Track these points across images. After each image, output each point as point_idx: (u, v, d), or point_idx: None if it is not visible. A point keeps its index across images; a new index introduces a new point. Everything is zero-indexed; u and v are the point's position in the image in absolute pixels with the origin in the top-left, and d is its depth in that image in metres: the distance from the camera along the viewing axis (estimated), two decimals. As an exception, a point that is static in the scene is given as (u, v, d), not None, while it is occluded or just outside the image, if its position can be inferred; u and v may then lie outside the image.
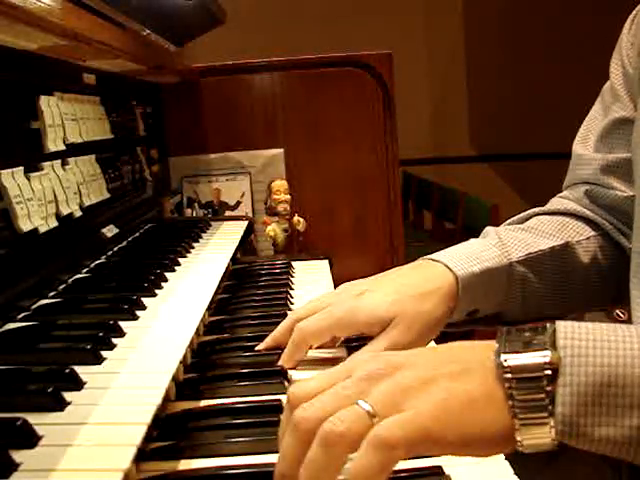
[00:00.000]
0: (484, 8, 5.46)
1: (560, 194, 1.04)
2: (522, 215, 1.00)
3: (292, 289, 1.15)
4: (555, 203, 1.01)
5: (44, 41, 0.89)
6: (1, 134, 0.88)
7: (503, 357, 0.52)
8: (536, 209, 1.01)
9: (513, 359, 0.52)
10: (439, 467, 0.60)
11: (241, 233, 1.41)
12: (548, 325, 0.53)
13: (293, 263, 1.32)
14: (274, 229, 1.58)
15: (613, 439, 0.50)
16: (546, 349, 0.51)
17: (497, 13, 5.45)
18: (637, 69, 0.88)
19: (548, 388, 0.50)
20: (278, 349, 0.81)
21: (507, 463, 0.61)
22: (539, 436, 0.50)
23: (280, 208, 1.58)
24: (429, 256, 0.87)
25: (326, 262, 1.36)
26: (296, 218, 1.59)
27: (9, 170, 0.86)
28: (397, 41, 3.53)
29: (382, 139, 1.66)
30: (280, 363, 0.79)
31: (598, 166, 0.95)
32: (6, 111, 0.90)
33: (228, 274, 1.22)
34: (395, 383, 0.53)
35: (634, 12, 0.92)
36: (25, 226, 0.88)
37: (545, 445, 0.51)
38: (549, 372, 0.50)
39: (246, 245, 1.55)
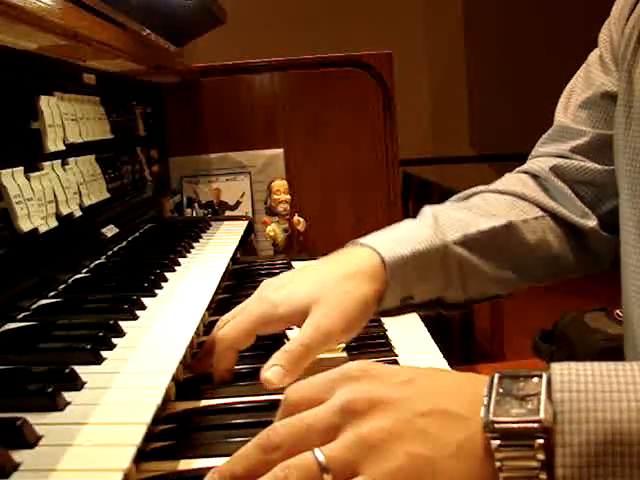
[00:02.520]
0: (484, 8, 5.46)
1: (527, 164, 0.98)
2: (467, 192, 0.95)
3: (292, 289, 1.15)
4: (508, 183, 0.95)
5: (44, 41, 0.89)
6: (1, 134, 0.88)
7: (492, 418, 0.47)
8: (483, 187, 0.95)
9: (503, 422, 0.46)
10: None
11: (241, 233, 1.40)
12: (544, 373, 0.48)
13: (293, 263, 1.32)
14: (274, 229, 1.58)
15: None
16: (539, 410, 0.46)
17: (497, 13, 5.45)
18: (620, 45, 0.86)
19: (541, 457, 0.45)
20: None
21: None
22: None
23: (280, 208, 1.58)
24: (357, 240, 0.83)
25: (326, 262, 1.36)
26: (296, 218, 1.59)
27: (9, 170, 0.86)
28: (397, 41, 3.53)
29: (382, 139, 1.66)
30: (215, 379, 0.76)
31: (580, 141, 0.91)
32: (6, 111, 0.90)
33: (228, 274, 1.22)
34: (360, 435, 0.48)
35: None
36: (25, 226, 0.87)
37: None
38: (542, 440, 0.45)
39: (246, 245, 1.55)
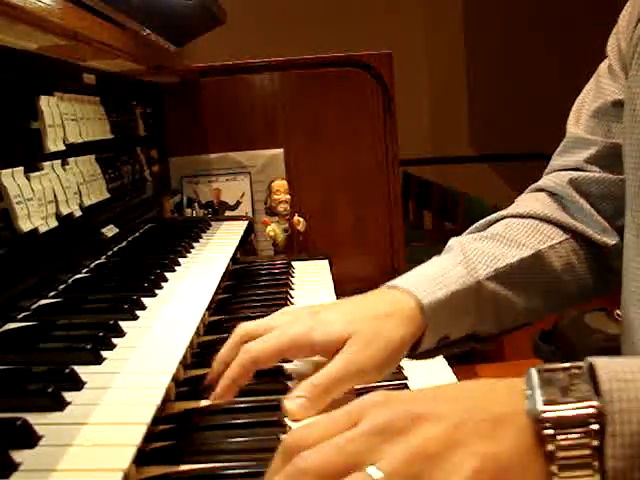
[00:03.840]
0: (484, 8, 5.46)
1: (542, 181, 0.97)
2: (489, 218, 0.94)
3: (292, 289, 1.15)
4: (526, 204, 0.95)
5: (44, 41, 0.89)
6: (1, 134, 0.88)
7: (541, 408, 0.45)
8: (503, 211, 0.94)
9: (553, 411, 0.45)
10: None
11: (241, 233, 1.41)
12: (583, 365, 0.48)
13: (293, 263, 1.32)
14: (274, 229, 1.58)
15: None
16: (589, 397, 0.45)
17: (497, 13, 5.45)
18: (629, 52, 0.86)
19: (595, 443, 0.44)
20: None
21: None
22: None
23: (280, 208, 1.58)
24: (390, 282, 0.80)
25: (326, 262, 1.36)
26: (296, 218, 1.59)
27: (9, 170, 0.86)
28: (397, 41, 3.53)
29: (382, 139, 1.66)
30: (220, 389, 0.71)
31: (593, 151, 0.91)
32: (6, 111, 0.90)
33: (228, 274, 1.22)
34: (415, 446, 0.45)
35: None
36: (25, 226, 0.87)
37: None
38: (597, 426, 0.44)
39: (246, 245, 1.55)
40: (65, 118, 1.04)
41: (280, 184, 1.60)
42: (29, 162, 0.93)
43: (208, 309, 0.96)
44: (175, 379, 0.72)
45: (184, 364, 0.80)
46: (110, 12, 1.03)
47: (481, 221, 0.95)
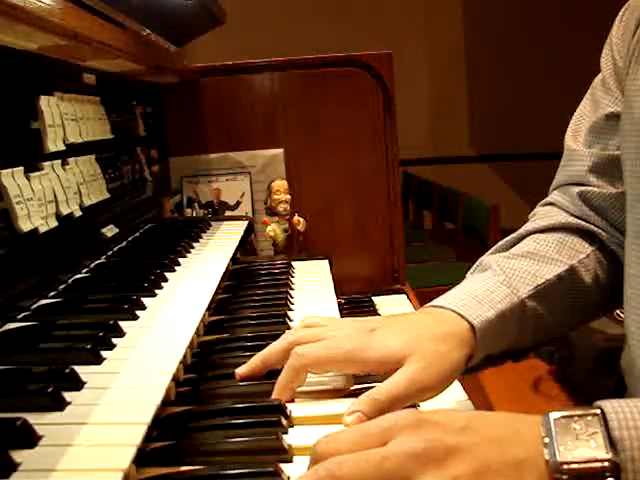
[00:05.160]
0: (484, 8, 5.46)
1: (551, 197, 0.99)
2: (515, 235, 0.95)
3: (292, 289, 1.15)
4: (546, 216, 0.96)
5: (44, 41, 0.89)
6: (1, 134, 0.88)
7: (560, 459, 0.48)
8: (528, 227, 0.96)
9: (571, 463, 0.48)
10: None
11: (241, 233, 1.41)
12: (596, 412, 0.50)
13: (293, 263, 1.32)
14: (274, 229, 1.58)
15: None
16: (604, 449, 0.48)
17: (497, 13, 5.45)
18: (625, 62, 0.87)
19: None
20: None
21: None
22: None
23: (280, 208, 1.58)
24: (435, 302, 0.81)
25: (326, 262, 1.36)
26: (296, 218, 1.59)
27: (9, 170, 0.86)
28: (397, 41, 3.53)
29: (382, 139, 1.66)
30: (275, 394, 0.72)
31: (591, 163, 0.92)
32: (6, 111, 0.90)
33: (228, 274, 1.22)
34: (448, 477, 0.49)
35: (625, 6, 0.92)
36: (25, 226, 0.87)
37: None
38: (610, 475, 0.47)
39: (246, 245, 1.55)
40: (65, 118, 1.04)
41: (280, 184, 1.60)
42: (29, 162, 0.93)
43: (208, 309, 0.96)
44: (175, 379, 0.72)
45: (184, 364, 0.80)
46: (110, 12, 1.03)
47: (507, 238, 0.96)
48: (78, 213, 1.07)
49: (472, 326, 0.76)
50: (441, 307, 0.79)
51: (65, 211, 1.01)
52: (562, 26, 5.33)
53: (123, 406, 0.61)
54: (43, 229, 0.93)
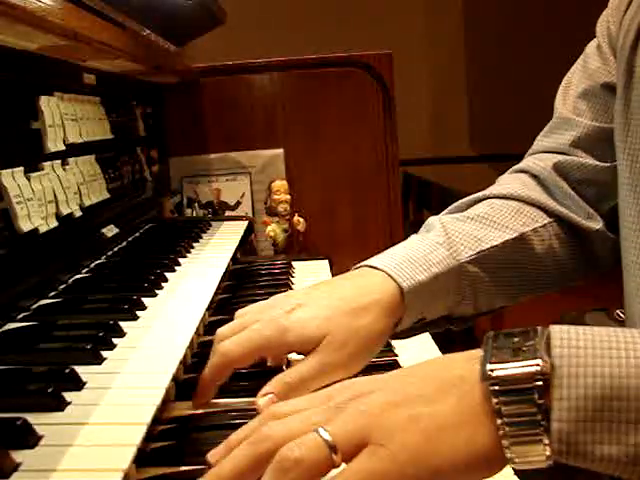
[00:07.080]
0: (484, 8, 5.46)
1: (525, 163, 0.96)
2: (470, 198, 0.92)
3: (292, 289, 1.15)
4: (512, 184, 0.93)
5: (44, 41, 0.89)
6: (1, 134, 0.88)
7: (489, 367, 0.47)
8: (489, 190, 0.92)
9: (500, 369, 0.47)
10: None
11: (241, 233, 1.40)
12: (540, 329, 0.49)
13: (293, 263, 1.32)
14: (274, 229, 1.58)
15: (616, 458, 0.45)
16: (537, 357, 0.47)
17: (497, 13, 5.45)
18: (619, 29, 0.86)
19: (540, 401, 0.46)
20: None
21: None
22: (532, 454, 0.46)
23: (280, 208, 1.58)
24: (367, 261, 0.79)
25: (326, 262, 1.36)
26: (296, 218, 1.59)
27: (9, 170, 0.86)
28: (397, 41, 3.53)
29: (382, 139, 1.66)
30: (199, 395, 0.71)
31: (580, 134, 0.90)
32: (6, 111, 0.90)
33: (228, 274, 1.22)
34: (359, 411, 0.49)
35: None
36: (25, 226, 0.87)
37: (539, 463, 0.47)
38: (540, 382, 0.46)
39: (246, 245, 1.55)
40: (65, 118, 1.04)
41: (280, 184, 1.60)
42: (29, 162, 0.93)
43: (208, 309, 0.96)
44: (175, 379, 0.72)
45: (184, 364, 0.80)
46: (110, 12, 1.03)
47: (462, 200, 0.94)
48: (78, 213, 1.07)
49: (402, 290, 0.75)
50: (374, 267, 0.77)
51: (65, 211, 1.01)
52: (562, 26, 5.33)
53: (123, 406, 0.61)
54: (43, 229, 0.93)
